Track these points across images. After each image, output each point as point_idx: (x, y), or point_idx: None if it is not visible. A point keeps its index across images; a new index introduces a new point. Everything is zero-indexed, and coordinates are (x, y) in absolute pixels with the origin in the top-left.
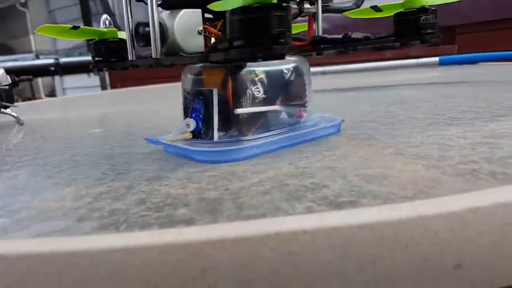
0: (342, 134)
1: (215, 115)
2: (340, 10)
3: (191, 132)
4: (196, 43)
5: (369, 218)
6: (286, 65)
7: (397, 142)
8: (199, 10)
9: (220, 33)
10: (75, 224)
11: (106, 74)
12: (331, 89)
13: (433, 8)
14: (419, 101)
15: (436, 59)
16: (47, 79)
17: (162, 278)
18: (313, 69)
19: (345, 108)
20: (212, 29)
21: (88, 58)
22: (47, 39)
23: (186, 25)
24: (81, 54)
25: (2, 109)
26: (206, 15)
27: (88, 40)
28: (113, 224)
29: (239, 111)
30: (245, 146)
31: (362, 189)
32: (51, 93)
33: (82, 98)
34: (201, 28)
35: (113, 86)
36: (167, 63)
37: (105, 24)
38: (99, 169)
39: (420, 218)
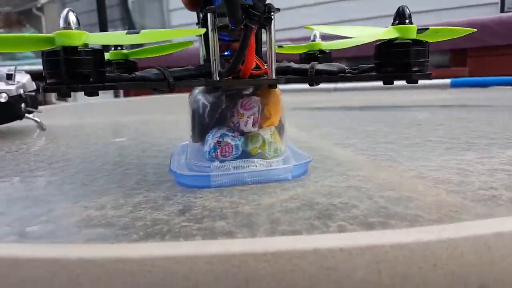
0: (363, 153)
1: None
2: None
3: None
4: None
5: (400, 239)
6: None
7: (418, 166)
8: None
9: None
10: (120, 232)
11: None
12: (345, 106)
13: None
14: (434, 124)
15: (447, 81)
16: None
17: (208, 286)
18: (325, 86)
19: (363, 128)
20: None
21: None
22: None
23: None
24: None
25: (26, 114)
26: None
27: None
28: (158, 233)
29: None
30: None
31: (389, 211)
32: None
33: (100, 105)
34: None
35: (126, 94)
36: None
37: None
38: (132, 179)
39: (448, 240)
